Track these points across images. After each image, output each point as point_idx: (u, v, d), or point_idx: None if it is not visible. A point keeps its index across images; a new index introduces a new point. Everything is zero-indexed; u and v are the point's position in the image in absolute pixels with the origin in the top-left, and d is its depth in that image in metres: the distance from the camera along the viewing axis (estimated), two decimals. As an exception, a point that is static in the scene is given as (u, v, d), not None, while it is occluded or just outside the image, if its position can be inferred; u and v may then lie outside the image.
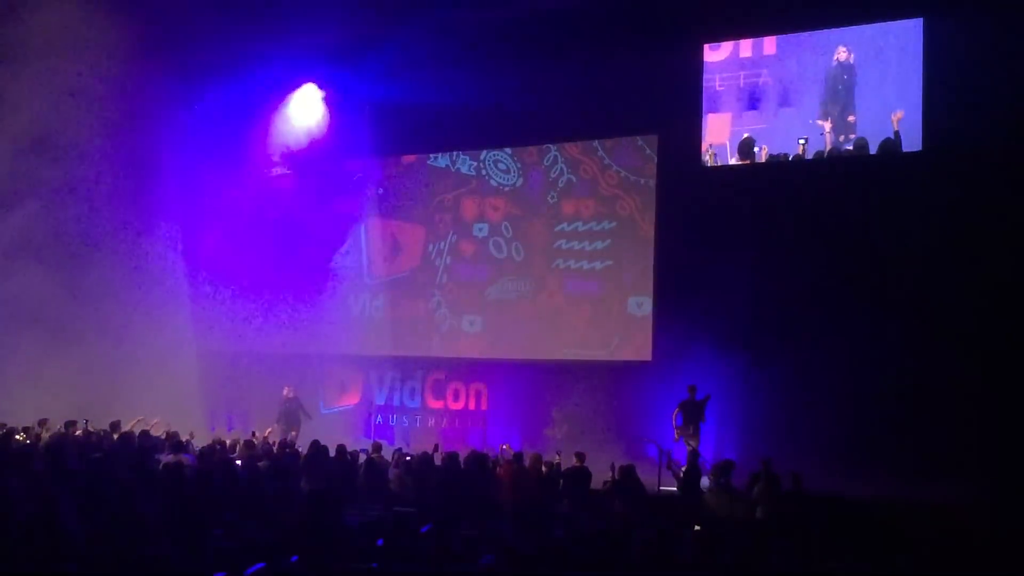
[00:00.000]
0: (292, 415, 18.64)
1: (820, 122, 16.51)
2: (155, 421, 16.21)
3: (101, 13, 17.37)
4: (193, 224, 22.09)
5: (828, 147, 16.40)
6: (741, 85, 17.20)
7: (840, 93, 16.54)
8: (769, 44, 17.06)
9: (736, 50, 17.32)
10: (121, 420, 15.95)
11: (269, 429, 17.19)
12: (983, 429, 14.30)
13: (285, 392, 18.89)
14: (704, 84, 17.39)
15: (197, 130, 21.21)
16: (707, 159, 17.26)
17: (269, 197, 21.65)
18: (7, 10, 17.35)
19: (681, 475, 13.22)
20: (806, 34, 16.70)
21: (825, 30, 16.55)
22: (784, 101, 16.83)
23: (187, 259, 21.74)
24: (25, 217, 19.08)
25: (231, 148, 21.09)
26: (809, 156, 16.45)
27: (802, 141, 16.46)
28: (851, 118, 16.42)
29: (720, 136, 17.27)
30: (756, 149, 16.88)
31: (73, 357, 19.25)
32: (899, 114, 15.74)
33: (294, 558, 7.92)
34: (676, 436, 15.43)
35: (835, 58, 16.59)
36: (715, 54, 17.45)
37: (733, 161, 17.04)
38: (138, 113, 20.00)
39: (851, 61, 16.46)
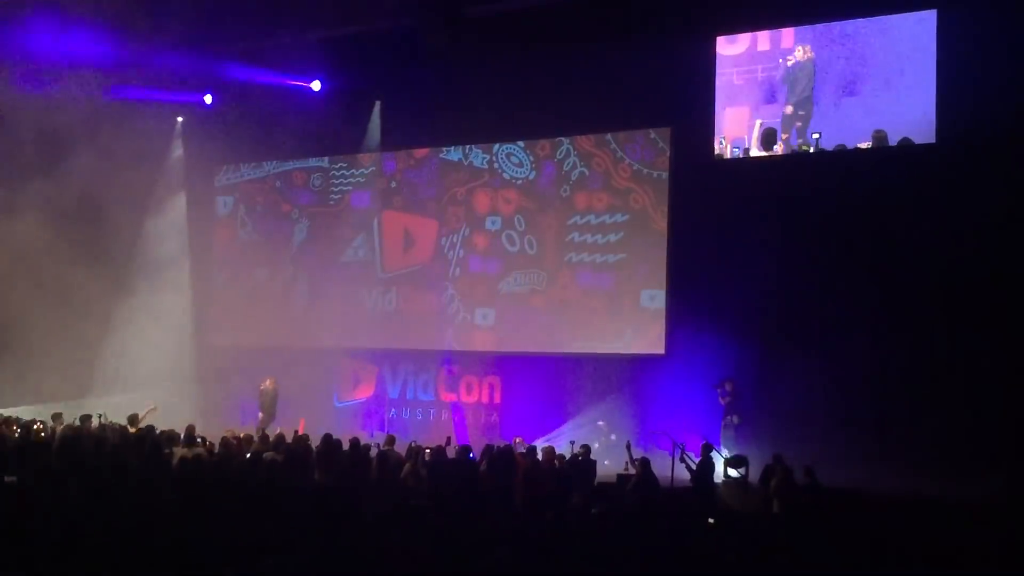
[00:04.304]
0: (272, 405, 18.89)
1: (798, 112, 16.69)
2: (151, 407, 16.27)
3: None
4: (201, 221, 22.21)
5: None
6: (759, 79, 17.11)
7: (798, 91, 16.68)
8: (787, 37, 16.94)
9: (754, 43, 17.21)
10: (136, 413, 16.03)
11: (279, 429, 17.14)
12: (1002, 424, 14.25)
13: (268, 383, 19.00)
14: (722, 78, 17.29)
15: (204, 124, 21.31)
16: (725, 152, 17.15)
17: (283, 192, 21.73)
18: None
19: (694, 468, 13.20)
20: (824, 26, 16.57)
21: (840, 21, 16.42)
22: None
23: (201, 254, 21.86)
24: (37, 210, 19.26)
25: (237, 143, 21.12)
26: (829, 148, 16.35)
27: (816, 136, 16.36)
28: (798, 111, 16.60)
29: (739, 129, 17.18)
30: (778, 142, 16.78)
31: (85, 351, 19.40)
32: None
33: (306, 552, 7.93)
34: (736, 420, 16.07)
35: (793, 57, 16.75)
36: (732, 47, 17.37)
37: (754, 152, 16.92)
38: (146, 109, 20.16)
39: (808, 57, 16.59)
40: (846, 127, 16.25)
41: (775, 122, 16.84)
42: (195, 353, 20.65)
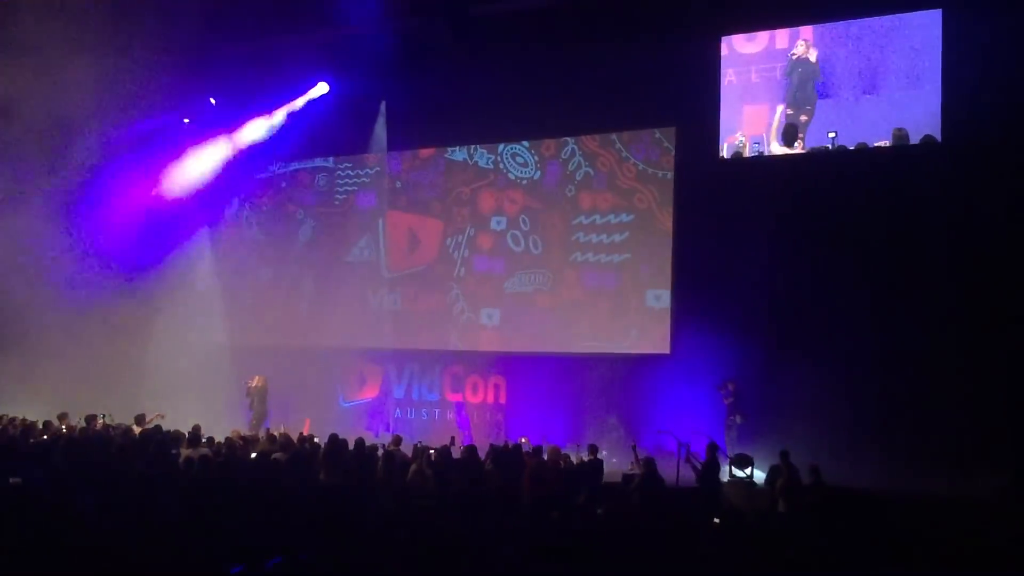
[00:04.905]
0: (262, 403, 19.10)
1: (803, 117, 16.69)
2: (157, 415, 16.36)
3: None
4: (214, 220, 22.22)
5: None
6: (777, 76, 17.08)
7: (798, 89, 16.72)
8: (805, 34, 16.89)
9: (772, 41, 17.16)
10: (144, 413, 16.08)
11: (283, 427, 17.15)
12: (1007, 423, 14.21)
13: (257, 381, 19.13)
14: (740, 75, 17.27)
15: (215, 126, 21.32)
16: (745, 151, 17.10)
17: (288, 192, 21.74)
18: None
19: (700, 468, 13.19)
20: (843, 24, 16.49)
21: (855, 20, 16.38)
22: (822, 92, 16.64)
23: (210, 253, 21.87)
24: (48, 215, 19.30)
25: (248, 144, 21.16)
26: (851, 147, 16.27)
27: (832, 135, 16.30)
28: (804, 118, 16.60)
29: (757, 127, 17.13)
30: (799, 139, 16.73)
31: (95, 351, 19.41)
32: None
33: (312, 552, 7.94)
34: (739, 420, 16.09)
35: (793, 53, 16.80)
36: (751, 45, 17.33)
37: (774, 148, 16.83)
38: (156, 109, 20.14)
39: (809, 56, 16.61)
40: (864, 126, 16.17)
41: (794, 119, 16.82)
42: (202, 353, 20.63)
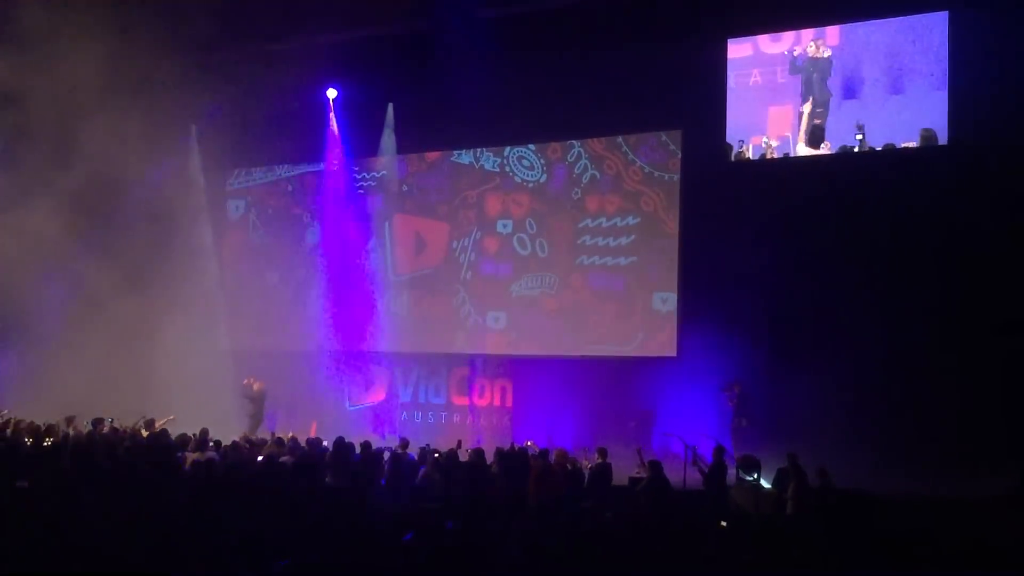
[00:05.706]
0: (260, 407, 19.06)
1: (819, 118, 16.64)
2: (171, 417, 16.37)
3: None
4: (220, 223, 22.24)
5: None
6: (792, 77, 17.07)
7: (812, 89, 16.67)
8: (832, 35, 16.78)
9: (797, 41, 17.05)
10: (154, 418, 16.08)
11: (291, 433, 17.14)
12: (1015, 424, 14.18)
13: (256, 385, 19.18)
14: (764, 75, 17.21)
15: (220, 131, 21.32)
16: (767, 152, 17.03)
17: (294, 196, 21.75)
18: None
19: (706, 471, 13.17)
20: (870, 24, 16.39)
21: (875, 20, 16.34)
22: (848, 93, 16.54)
23: (218, 258, 21.89)
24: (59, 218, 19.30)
25: (254, 148, 21.16)
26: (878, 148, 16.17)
27: (859, 137, 16.22)
28: (817, 121, 16.55)
29: (782, 128, 17.04)
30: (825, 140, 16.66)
31: (102, 354, 19.42)
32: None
33: (319, 554, 7.94)
34: (743, 423, 16.07)
35: (806, 52, 16.76)
36: (775, 46, 17.24)
37: (799, 149, 16.75)
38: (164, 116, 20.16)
39: (821, 55, 16.57)
40: (891, 126, 16.04)
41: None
42: (209, 357, 20.63)
